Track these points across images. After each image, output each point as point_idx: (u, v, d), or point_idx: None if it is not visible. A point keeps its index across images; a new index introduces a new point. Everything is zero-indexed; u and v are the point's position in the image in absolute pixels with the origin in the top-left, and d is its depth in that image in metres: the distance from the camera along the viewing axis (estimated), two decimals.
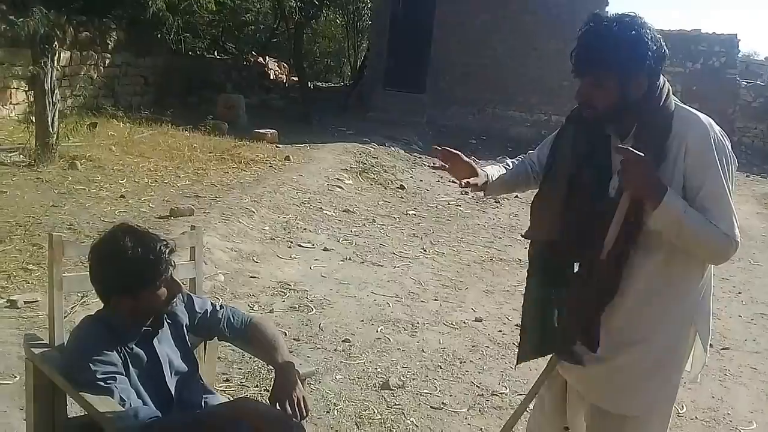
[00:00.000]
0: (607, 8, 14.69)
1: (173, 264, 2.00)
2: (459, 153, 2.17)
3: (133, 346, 1.98)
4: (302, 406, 1.99)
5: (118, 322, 1.97)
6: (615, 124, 1.96)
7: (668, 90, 1.93)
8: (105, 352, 1.90)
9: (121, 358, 1.94)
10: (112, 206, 6.06)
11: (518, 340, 2.31)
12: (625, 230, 1.88)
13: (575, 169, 2.01)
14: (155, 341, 2.02)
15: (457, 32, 15.36)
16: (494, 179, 2.19)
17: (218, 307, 2.24)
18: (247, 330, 2.21)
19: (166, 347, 2.06)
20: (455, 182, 2.16)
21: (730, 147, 1.91)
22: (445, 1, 15.20)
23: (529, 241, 2.21)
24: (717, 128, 1.90)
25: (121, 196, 6.42)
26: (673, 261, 1.95)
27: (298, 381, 2.04)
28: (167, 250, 1.97)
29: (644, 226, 1.88)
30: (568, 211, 2.02)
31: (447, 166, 2.18)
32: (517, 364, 2.34)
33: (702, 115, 1.91)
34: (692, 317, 2.04)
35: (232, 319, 2.23)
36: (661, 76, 1.92)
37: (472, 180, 2.11)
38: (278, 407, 1.97)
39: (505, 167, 2.29)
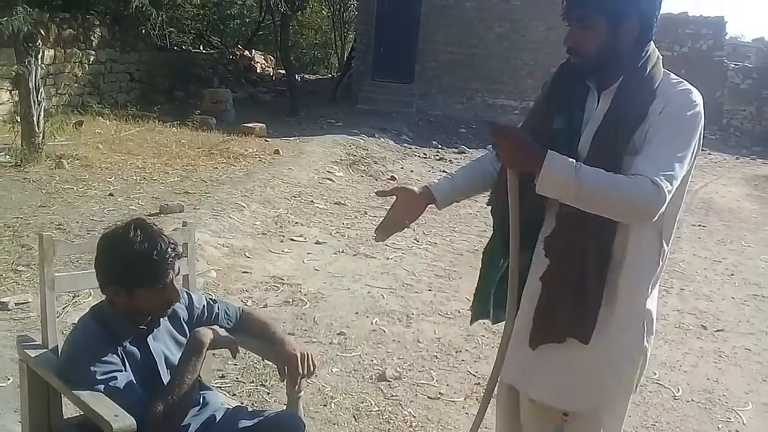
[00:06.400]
0: None
1: (176, 269, 1.95)
2: (402, 188, 2.11)
3: (127, 344, 1.95)
4: (310, 362, 2.12)
5: (113, 320, 1.94)
6: (598, 75, 1.84)
7: (657, 57, 1.83)
8: (103, 351, 1.88)
9: (118, 356, 1.91)
10: (101, 205, 6.01)
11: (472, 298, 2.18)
12: None
13: (547, 118, 1.87)
14: (150, 339, 2.00)
15: (444, 21, 15.35)
16: (443, 194, 2.08)
17: (212, 301, 2.24)
18: (242, 319, 2.27)
19: (161, 344, 2.03)
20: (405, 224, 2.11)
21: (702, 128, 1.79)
22: None
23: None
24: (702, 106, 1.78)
25: (110, 195, 6.37)
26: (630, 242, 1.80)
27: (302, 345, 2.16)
28: (174, 254, 1.93)
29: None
30: None
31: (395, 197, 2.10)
32: (471, 322, 2.25)
33: (695, 90, 1.80)
34: (644, 309, 1.88)
35: (228, 311, 2.25)
36: (651, 42, 1.82)
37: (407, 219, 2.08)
38: (287, 369, 2.09)
39: (463, 174, 2.16)
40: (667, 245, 1.88)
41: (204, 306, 2.20)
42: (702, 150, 1.83)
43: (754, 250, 7.18)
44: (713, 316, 5.05)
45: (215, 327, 2.07)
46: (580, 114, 1.86)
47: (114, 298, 1.95)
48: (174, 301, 1.98)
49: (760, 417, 3.63)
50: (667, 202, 1.66)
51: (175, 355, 2.05)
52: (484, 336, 4.25)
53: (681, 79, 1.83)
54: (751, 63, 18.06)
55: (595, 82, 1.86)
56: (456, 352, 4.05)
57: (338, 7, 23.66)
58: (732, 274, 6.19)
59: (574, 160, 1.68)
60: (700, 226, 7.99)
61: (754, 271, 6.37)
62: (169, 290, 1.94)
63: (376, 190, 2.30)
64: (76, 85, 11.24)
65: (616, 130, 1.76)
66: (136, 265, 1.89)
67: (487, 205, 2.07)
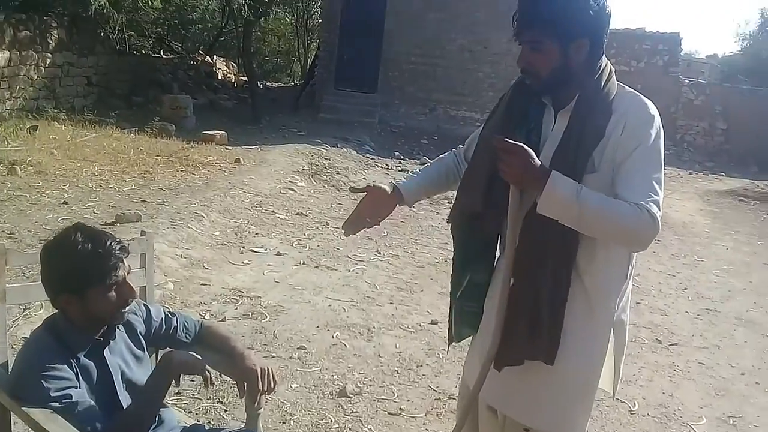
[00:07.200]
0: None
1: (126, 266, 1.89)
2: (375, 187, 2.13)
3: (82, 357, 1.88)
4: (271, 378, 2.07)
5: (68, 332, 1.87)
6: (554, 94, 1.87)
7: (610, 71, 1.86)
8: (57, 366, 1.80)
9: (72, 371, 1.84)
10: (55, 213, 5.85)
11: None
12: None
13: (505, 135, 1.79)
14: (106, 351, 1.93)
15: (408, 31, 15.41)
16: (411, 192, 2.13)
17: (171, 314, 2.19)
18: (201, 333, 2.22)
19: (118, 358, 1.97)
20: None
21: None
22: None
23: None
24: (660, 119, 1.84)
25: (64, 203, 6.21)
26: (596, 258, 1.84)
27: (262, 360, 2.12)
28: (118, 247, 1.87)
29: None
30: (493, 180, 1.84)
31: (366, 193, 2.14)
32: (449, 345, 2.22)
33: (650, 102, 1.85)
34: (612, 321, 1.91)
35: (186, 324, 2.21)
36: (603, 56, 1.85)
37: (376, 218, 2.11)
38: (246, 384, 2.04)
39: (427, 173, 2.22)
40: (634, 256, 1.93)
41: (162, 319, 2.15)
42: None
43: (707, 264, 7.35)
44: (668, 330, 5.14)
45: (192, 354, 2.03)
46: (537, 132, 1.88)
47: (67, 308, 1.87)
48: (130, 298, 1.90)
49: (713, 431, 3.70)
50: (660, 229, 1.72)
51: (132, 370, 2.00)
52: (444, 350, 4.25)
53: (635, 92, 1.87)
54: (704, 79, 18.58)
55: (551, 100, 1.89)
56: (417, 366, 4.04)
57: (302, 14, 23.60)
58: (685, 288, 6.33)
59: (577, 182, 1.71)
60: (654, 240, 8.13)
61: (706, 285, 6.52)
62: (122, 287, 1.87)
63: (350, 187, 2.33)
64: (31, 88, 10.94)
65: (577, 149, 1.78)
66: (81, 265, 1.82)
67: (447, 222, 2.10)
